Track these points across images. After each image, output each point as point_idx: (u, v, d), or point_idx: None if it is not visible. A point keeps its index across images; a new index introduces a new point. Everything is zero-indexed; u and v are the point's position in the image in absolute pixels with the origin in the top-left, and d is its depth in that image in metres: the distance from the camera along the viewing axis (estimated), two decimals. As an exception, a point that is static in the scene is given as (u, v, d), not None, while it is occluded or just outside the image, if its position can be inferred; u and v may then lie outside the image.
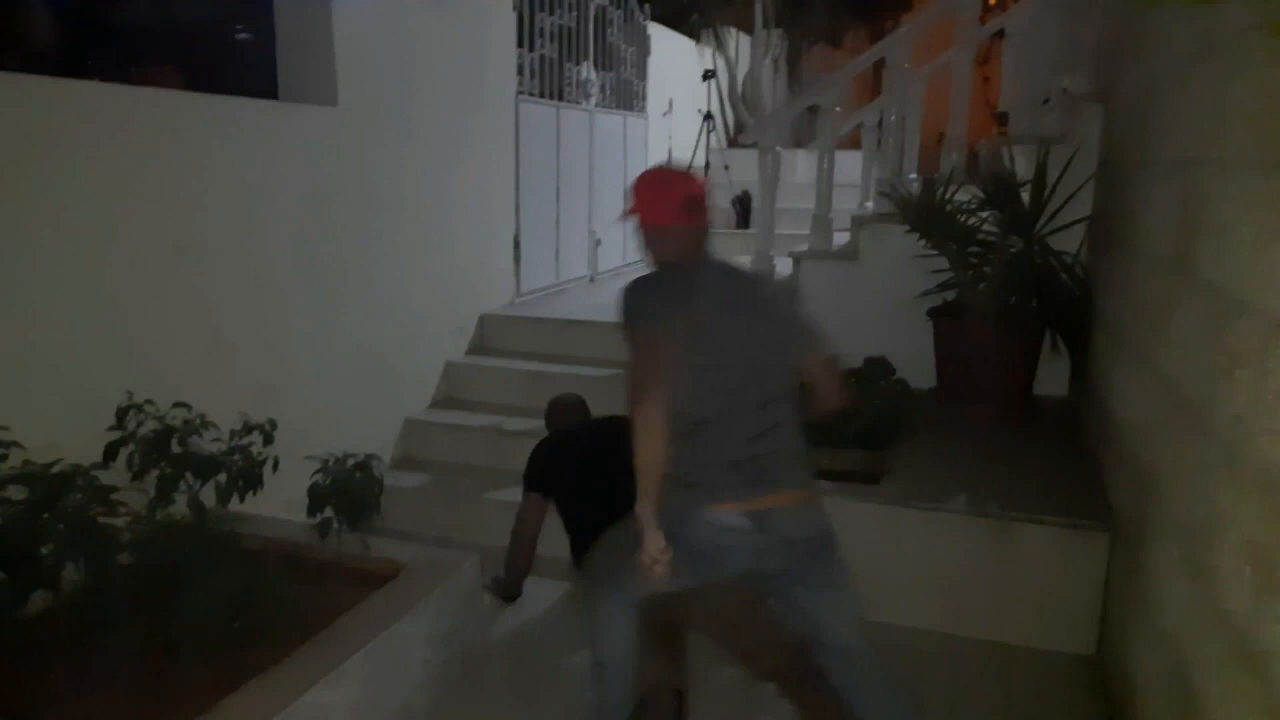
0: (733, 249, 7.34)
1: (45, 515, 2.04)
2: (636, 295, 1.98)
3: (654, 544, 1.86)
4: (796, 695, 2.21)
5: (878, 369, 3.92)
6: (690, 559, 1.92)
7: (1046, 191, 3.74)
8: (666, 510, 1.88)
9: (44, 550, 2.04)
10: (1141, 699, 2.16)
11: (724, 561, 1.97)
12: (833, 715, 2.08)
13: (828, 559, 2.03)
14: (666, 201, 2.01)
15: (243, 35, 5.34)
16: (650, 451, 1.84)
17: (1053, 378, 4.02)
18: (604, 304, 5.21)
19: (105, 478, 2.19)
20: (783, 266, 4.89)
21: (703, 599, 2.18)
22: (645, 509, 1.87)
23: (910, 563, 2.93)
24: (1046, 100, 4.50)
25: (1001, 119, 4.47)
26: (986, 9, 5.31)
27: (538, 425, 3.95)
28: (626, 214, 2.04)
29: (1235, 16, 1.88)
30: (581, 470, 2.76)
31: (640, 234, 2.05)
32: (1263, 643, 1.42)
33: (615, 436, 2.45)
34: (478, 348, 4.72)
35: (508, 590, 2.98)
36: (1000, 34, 5.17)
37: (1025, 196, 3.78)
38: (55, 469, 2.11)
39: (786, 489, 1.98)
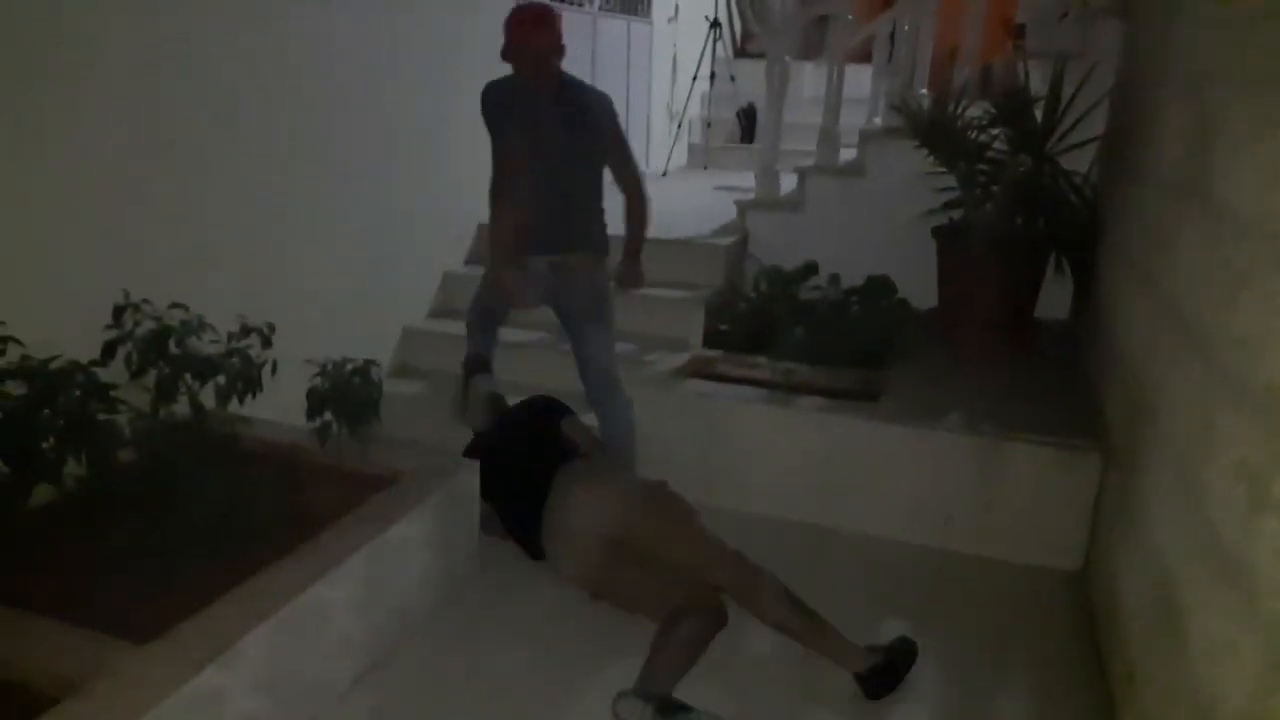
0: (737, 163, 7.27)
1: (45, 411, 2.05)
2: (484, 93, 2.93)
3: (504, 277, 2.97)
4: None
5: (879, 288, 3.91)
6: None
7: (1060, 109, 3.65)
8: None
9: (45, 445, 2.05)
10: (1126, 612, 2.21)
11: (533, 292, 2.98)
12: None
13: (598, 313, 3.01)
14: (520, 23, 2.74)
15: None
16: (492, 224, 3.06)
17: (1055, 301, 4.00)
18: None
19: (103, 377, 2.18)
20: (788, 182, 4.82)
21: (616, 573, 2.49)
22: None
23: (905, 479, 2.97)
24: (1065, 14, 4.36)
25: (1019, 31, 4.34)
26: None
27: (534, 337, 3.96)
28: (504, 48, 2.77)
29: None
30: (511, 471, 2.75)
31: (506, 51, 2.77)
32: (1249, 560, 1.45)
33: (534, 417, 2.93)
34: (476, 257, 4.66)
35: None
36: (1021, -58, 4.98)
37: (1038, 114, 3.70)
38: (54, 365, 2.11)
39: (576, 252, 2.93)
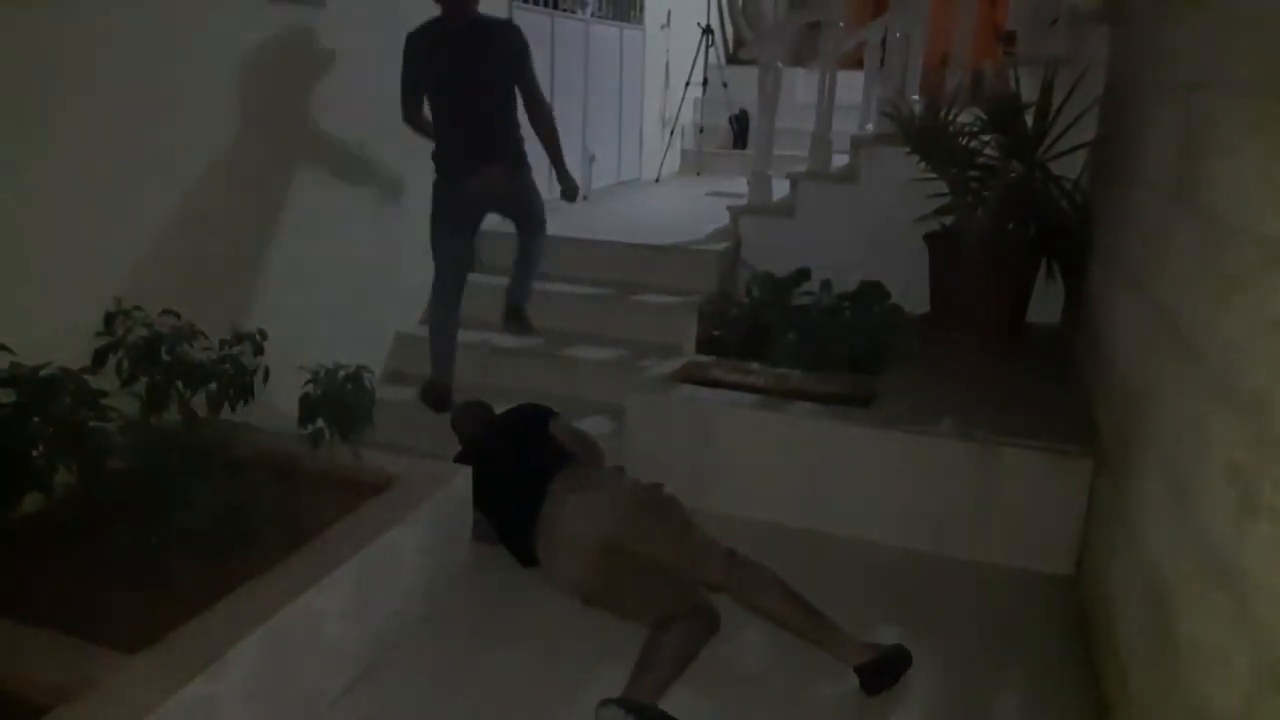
0: (729, 168, 7.28)
1: (35, 418, 2.04)
2: (408, 38, 3.39)
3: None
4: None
5: (872, 293, 3.91)
6: (444, 200, 3.54)
7: (1051, 115, 3.68)
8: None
9: (35, 453, 2.04)
10: (1118, 616, 2.21)
11: (462, 199, 3.51)
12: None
13: (521, 202, 3.61)
14: None
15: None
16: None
17: (1046, 306, 4.02)
18: (597, 222, 5.16)
19: (94, 384, 2.17)
20: (780, 188, 4.83)
21: (623, 576, 2.46)
22: None
23: (898, 484, 2.97)
24: (1054, 21, 4.39)
25: (1009, 38, 4.37)
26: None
27: (527, 343, 3.96)
28: None
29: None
30: (502, 479, 2.75)
31: None
32: (1239, 562, 1.45)
33: (523, 423, 2.94)
34: (469, 264, 4.66)
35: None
36: (1011, -50, 5.01)
37: (1029, 120, 3.72)
38: (44, 372, 2.10)
39: (491, 162, 3.41)
